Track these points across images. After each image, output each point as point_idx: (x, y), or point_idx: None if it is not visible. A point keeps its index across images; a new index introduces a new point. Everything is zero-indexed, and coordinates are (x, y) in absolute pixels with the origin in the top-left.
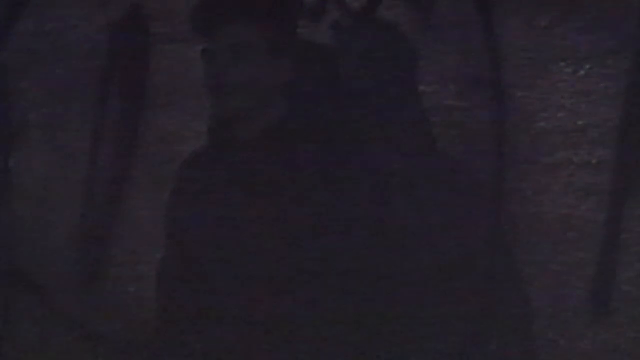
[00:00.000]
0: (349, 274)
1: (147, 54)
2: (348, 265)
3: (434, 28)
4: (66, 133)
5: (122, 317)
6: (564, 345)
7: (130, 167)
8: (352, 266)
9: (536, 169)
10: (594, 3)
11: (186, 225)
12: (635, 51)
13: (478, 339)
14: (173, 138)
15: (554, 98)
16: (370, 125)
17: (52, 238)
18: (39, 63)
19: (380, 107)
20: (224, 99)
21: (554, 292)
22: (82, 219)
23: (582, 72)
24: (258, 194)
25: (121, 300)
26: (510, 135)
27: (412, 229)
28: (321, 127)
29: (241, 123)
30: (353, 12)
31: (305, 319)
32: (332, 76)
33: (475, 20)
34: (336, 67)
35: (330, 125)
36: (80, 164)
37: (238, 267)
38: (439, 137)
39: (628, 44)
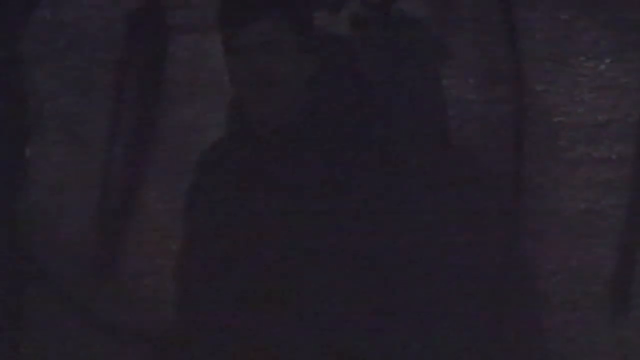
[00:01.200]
0: (364, 267)
1: (164, 45)
2: (365, 257)
3: (454, 21)
4: (83, 124)
5: (137, 309)
6: (583, 341)
7: (148, 158)
8: (370, 259)
9: (556, 164)
10: None
11: (204, 218)
12: None
13: (491, 332)
14: (191, 129)
15: (574, 93)
16: (389, 118)
17: (69, 229)
18: (55, 53)
19: (399, 100)
20: (252, 94)
21: (573, 287)
22: (98, 209)
23: (603, 67)
24: (278, 187)
25: (137, 293)
26: (530, 129)
27: (428, 224)
28: (341, 121)
29: (265, 117)
30: (372, 4)
31: (321, 308)
32: (352, 69)
33: (496, 13)
34: (356, 60)
35: (349, 119)
36: (97, 155)
37: (257, 259)
38: (458, 130)
39: None
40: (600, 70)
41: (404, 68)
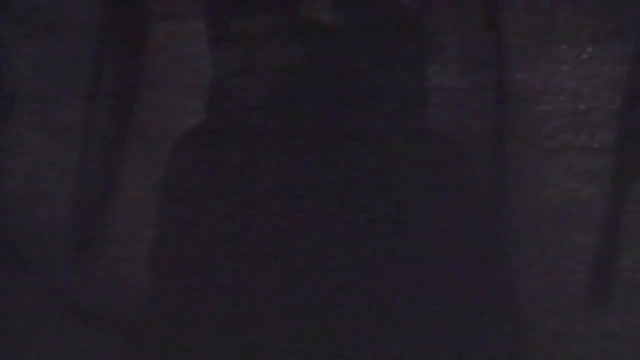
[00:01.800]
0: (332, 257)
1: (142, 30)
2: (337, 248)
3: (435, 8)
4: (57, 109)
5: (114, 295)
6: (564, 331)
7: (124, 145)
8: (342, 249)
9: (537, 152)
10: None
11: (179, 205)
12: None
13: (470, 321)
14: (168, 115)
15: (556, 81)
16: (369, 106)
17: (43, 216)
18: (29, 38)
19: (380, 86)
20: (236, 82)
21: (554, 277)
22: (74, 196)
23: (585, 56)
24: (256, 175)
25: (113, 279)
26: (511, 118)
27: (410, 211)
28: (320, 106)
29: (249, 104)
30: None
31: (305, 297)
32: (333, 55)
33: (478, 0)
34: (336, 46)
35: (329, 104)
36: (72, 141)
37: (234, 245)
38: (438, 118)
39: (632, 27)
40: (583, 59)
41: (387, 54)
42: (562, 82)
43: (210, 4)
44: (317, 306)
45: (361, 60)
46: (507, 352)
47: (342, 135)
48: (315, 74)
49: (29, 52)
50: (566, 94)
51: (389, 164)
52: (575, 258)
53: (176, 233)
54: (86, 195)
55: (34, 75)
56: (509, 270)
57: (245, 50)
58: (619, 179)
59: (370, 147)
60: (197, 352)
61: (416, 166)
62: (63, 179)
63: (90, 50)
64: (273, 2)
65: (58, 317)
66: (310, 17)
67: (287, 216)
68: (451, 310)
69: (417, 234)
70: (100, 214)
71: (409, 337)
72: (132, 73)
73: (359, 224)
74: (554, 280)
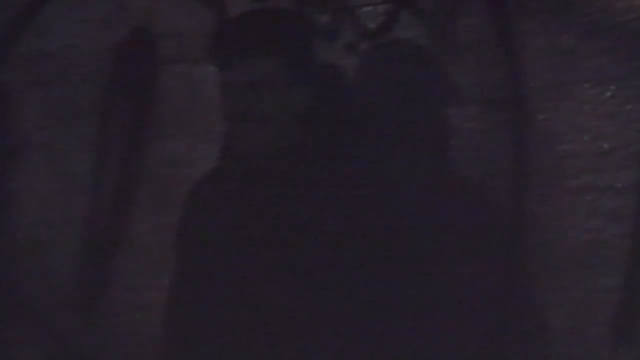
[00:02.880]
0: (363, 301)
1: (153, 75)
2: (365, 292)
3: (454, 48)
4: (69, 155)
5: (126, 346)
6: None
7: (136, 191)
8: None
9: (559, 192)
10: (620, 23)
11: (198, 250)
12: None
13: None
14: (180, 161)
15: (578, 120)
16: (386, 147)
17: (55, 262)
18: (41, 84)
19: (397, 129)
20: (244, 130)
21: (577, 319)
22: (85, 243)
23: (607, 94)
24: (268, 220)
25: (126, 328)
26: (533, 158)
27: (427, 253)
28: (336, 151)
29: (252, 153)
30: (369, 32)
31: (323, 338)
32: (347, 99)
33: (497, 40)
34: (350, 90)
35: (345, 149)
36: (83, 187)
37: (250, 292)
38: (458, 159)
39: None
40: (605, 98)
41: (402, 99)
42: (584, 121)
43: (218, 49)
44: (332, 348)
45: (377, 102)
46: None
47: (358, 176)
48: (329, 117)
49: (39, 98)
50: (589, 134)
51: (407, 204)
52: (599, 299)
53: (193, 280)
54: (96, 242)
55: (43, 122)
56: (531, 312)
57: (256, 94)
58: None
59: (387, 188)
60: None
61: (435, 207)
62: (73, 226)
63: (99, 96)
64: (283, 45)
65: None
66: (324, 60)
67: (303, 260)
68: (474, 350)
69: (437, 277)
70: (110, 261)
71: None
72: (142, 118)
73: (376, 266)
74: (577, 322)
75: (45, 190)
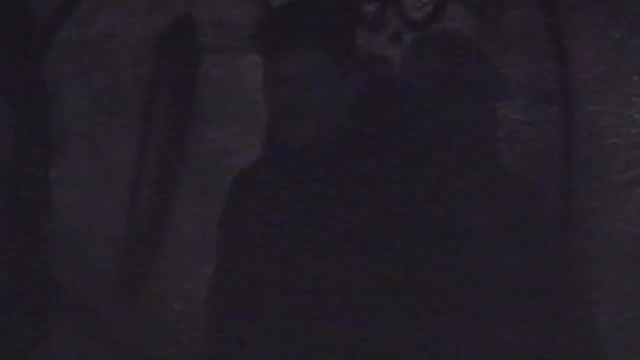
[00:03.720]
0: (407, 288)
1: (195, 64)
2: (406, 281)
3: (502, 39)
4: (110, 144)
5: (167, 335)
6: None
7: (177, 180)
8: (411, 288)
9: (608, 186)
10: None
11: (240, 241)
12: None
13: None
14: (222, 150)
15: (627, 113)
16: (433, 141)
17: (95, 252)
18: (82, 73)
19: (444, 123)
20: (291, 122)
21: (626, 313)
22: (126, 232)
23: None
24: (313, 208)
25: (166, 318)
26: (581, 151)
27: (475, 248)
28: (381, 142)
29: (300, 145)
30: (414, 23)
31: (365, 335)
32: (394, 92)
33: (546, 31)
34: (397, 82)
35: (390, 140)
36: (124, 176)
37: (294, 282)
38: (505, 152)
39: None
40: None
41: (449, 92)
42: (633, 114)
43: (263, 40)
44: (371, 340)
45: (424, 94)
46: None
47: (405, 170)
48: (376, 109)
49: (80, 87)
50: (638, 127)
51: (455, 199)
52: None
53: (235, 269)
54: (137, 232)
55: (85, 111)
56: (580, 307)
57: (303, 86)
58: None
59: (434, 182)
60: None
61: (482, 202)
62: (113, 215)
63: (140, 85)
64: (329, 35)
65: (105, 356)
66: (370, 51)
67: (343, 252)
68: (521, 345)
69: (484, 272)
70: (150, 252)
71: None
72: (184, 108)
73: (422, 261)
74: (627, 318)
75: (85, 181)
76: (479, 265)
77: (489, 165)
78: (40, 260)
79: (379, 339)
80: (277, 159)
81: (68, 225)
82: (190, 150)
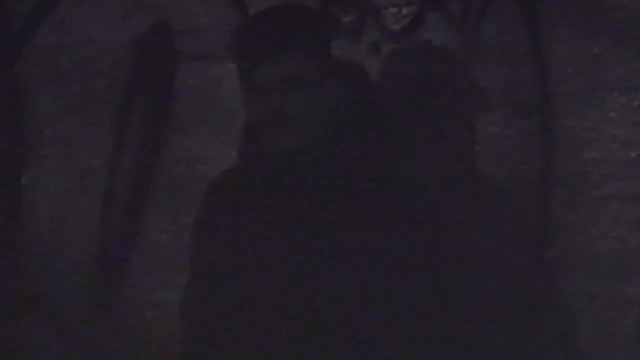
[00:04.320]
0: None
1: (171, 71)
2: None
3: (479, 51)
4: (83, 151)
5: (139, 344)
6: None
7: (152, 187)
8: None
9: (585, 201)
10: None
11: (214, 251)
12: None
13: None
14: (197, 159)
15: (606, 128)
16: (411, 149)
17: (67, 259)
18: (57, 78)
19: (420, 132)
20: (279, 131)
21: (602, 328)
22: (98, 240)
23: (636, 102)
24: (290, 219)
25: (138, 327)
26: (559, 165)
27: (449, 259)
28: (359, 151)
29: (285, 151)
30: (393, 33)
31: (343, 339)
32: (372, 100)
33: (525, 44)
34: (373, 90)
35: (371, 149)
36: (97, 184)
37: (267, 293)
38: (482, 164)
39: None
40: (634, 106)
41: (424, 99)
42: (612, 129)
43: (238, 50)
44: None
45: (402, 106)
46: None
47: (382, 181)
48: (353, 119)
49: (54, 92)
50: (616, 141)
51: (432, 210)
52: (624, 309)
53: (208, 278)
54: (110, 239)
55: (58, 117)
56: (556, 321)
57: (277, 95)
58: None
59: (411, 193)
60: None
61: (459, 213)
62: (87, 222)
63: (116, 91)
64: (306, 43)
65: None
66: (347, 60)
67: (321, 260)
68: (499, 356)
69: (457, 284)
70: (124, 259)
71: None
72: (160, 115)
73: (400, 270)
74: (602, 332)
75: (58, 186)
76: (451, 278)
77: (466, 177)
78: (13, 267)
79: (365, 348)
80: (259, 167)
81: (41, 232)
82: (165, 157)
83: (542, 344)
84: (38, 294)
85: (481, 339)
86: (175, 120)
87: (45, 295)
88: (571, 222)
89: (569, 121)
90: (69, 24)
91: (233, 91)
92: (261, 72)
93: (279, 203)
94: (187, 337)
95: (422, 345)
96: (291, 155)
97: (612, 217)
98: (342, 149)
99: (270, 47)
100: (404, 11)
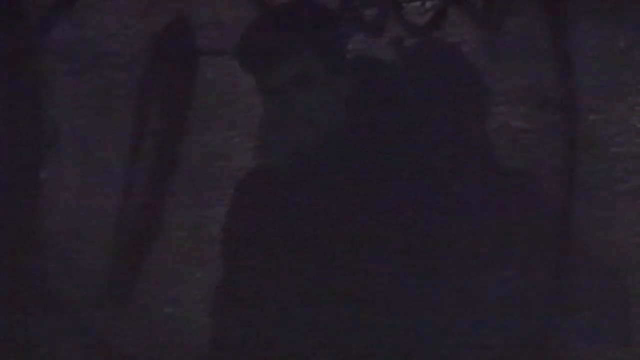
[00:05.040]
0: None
1: (191, 66)
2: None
3: (505, 46)
4: (101, 146)
5: (156, 339)
6: None
7: (170, 183)
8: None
9: (609, 195)
10: None
11: (244, 248)
12: None
13: None
14: (217, 154)
15: (630, 122)
16: (432, 144)
17: (85, 254)
18: (75, 72)
19: (443, 127)
20: (288, 125)
21: (625, 325)
22: (117, 235)
23: None
24: (314, 210)
25: (156, 322)
26: (583, 160)
27: (474, 255)
28: (379, 144)
29: (301, 144)
30: (416, 28)
31: (368, 339)
32: (392, 93)
33: (549, 39)
34: (396, 85)
35: (389, 145)
36: (116, 179)
37: (296, 289)
38: (506, 159)
39: None
40: None
41: (448, 96)
42: (635, 123)
43: (247, 58)
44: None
45: (424, 99)
46: None
47: (404, 175)
48: (373, 113)
49: (73, 87)
50: None
51: (451, 202)
52: None
53: (239, 274)
54: (128, 235)
55: (77, 111)
56: (579, 317)
57: (289, 94)
58: None
59: (434, 187)
60: None
61: (482, 209)
62: (105, 217)
63: (135, 86)
64: (322, 38)
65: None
66: (369, 54)
67: (347, 256)
68: (519, 352)
69: (480, 278)
70: (141, 254)
71: None
72: (178, 109)
73: (421, 264)
74: (627, 328)
75: (77, 181)
76: (473, 272)
77: (489, 172)
78: (30, 262)
79: (380, 343)
80: (277, 162)
81: (58, 227)
82: (184, 153)
83: (563, 340)
84: (55, 289)
85: (501, 333)
86: (194, 115)
87: (63, 290)
88: (595, 217)
89: (593, 116)
90: (88, 19)
91: (252, 86)
92: (271, 75)
93: (301, 197)
94: (216, 336)
95: (440, 339)
96: (312, 152)
97: (637, 212)
98: (365, 143)
99: (278, 47)
100: (427, 5)
